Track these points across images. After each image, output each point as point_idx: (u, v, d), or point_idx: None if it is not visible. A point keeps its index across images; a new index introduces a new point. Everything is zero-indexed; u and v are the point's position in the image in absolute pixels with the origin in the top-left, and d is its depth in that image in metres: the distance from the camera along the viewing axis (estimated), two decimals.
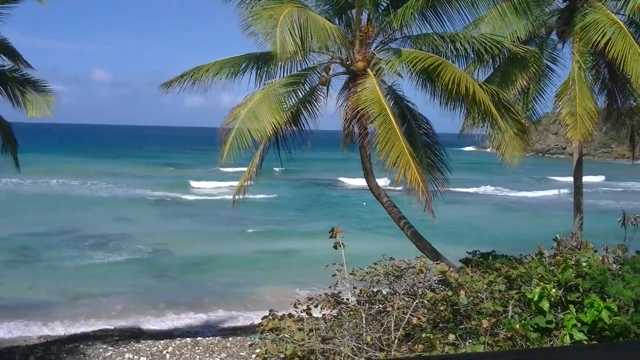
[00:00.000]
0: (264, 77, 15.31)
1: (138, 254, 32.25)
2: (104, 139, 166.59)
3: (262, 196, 53.29)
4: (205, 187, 60.85)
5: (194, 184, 62.94)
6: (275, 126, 14.10)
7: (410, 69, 13.81)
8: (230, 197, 16.66)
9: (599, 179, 77.87)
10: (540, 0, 17.50)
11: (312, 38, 12.54)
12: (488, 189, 67.91)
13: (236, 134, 13.87)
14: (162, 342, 19.99)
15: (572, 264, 9.39)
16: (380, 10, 14.81)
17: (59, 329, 21.19)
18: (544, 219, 42.91)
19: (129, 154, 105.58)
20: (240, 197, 16.23)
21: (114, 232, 37.14)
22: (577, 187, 19.52)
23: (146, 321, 22.43)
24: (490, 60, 15.77)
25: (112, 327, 21.68)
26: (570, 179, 20.37)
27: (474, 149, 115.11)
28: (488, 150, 15.86)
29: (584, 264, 9.29)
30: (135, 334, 21.11)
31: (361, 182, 15.81)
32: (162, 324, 22.32)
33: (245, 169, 16.38)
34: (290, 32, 12.08)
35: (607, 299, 8.29)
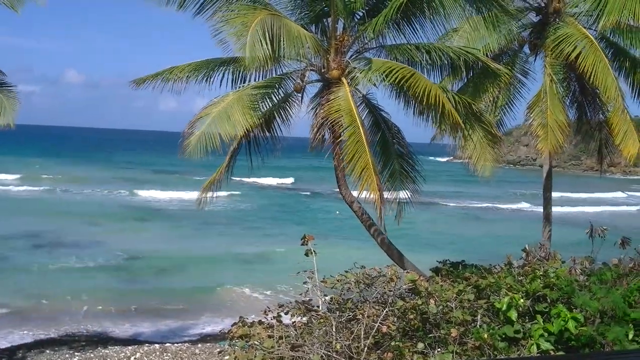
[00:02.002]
0: (239, 81, 15.26)
1: (108, 259, 31.89)
2: (76, 142, 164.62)
3: (235, 203, 53.30)
4: (178, 193, 60.27)
5: (166, 189, 62.40)
6: (247, 129, 14.04)
7: (383, 79, 13.88)
8: (203, 203, 16.47)
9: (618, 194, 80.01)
10: (512, 14, 17.73)
11: (285, 45, 12.54)
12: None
13: (205, 131, 13.71)
14: (129, 348, 19.81)
15: (540, 275, 9.50)
16: (356, 20, 14.86)
17: (25, 334, 20.88)
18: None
19: (102, 158, 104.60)
20: (207, 199, 16.10)
21: (84, 237, 36.72)
22: (547, 198, 19.74)
23: (114, 327, 22.20)
24: (464, 72, 15.90)
25: (79, 333, 21.43)
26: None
27: (445, 159, 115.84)
28: (466, 160, 15.99)
29: (552, 275, 9.41)
30: (103, 340, 20.89)
31: (335, 189, 15.86)
32: (130, 330, 22.10)
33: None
34: (261, 40, 12.04)
35: (574, 310, 8.39)
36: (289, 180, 78.94)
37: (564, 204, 62.12)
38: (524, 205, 63.67)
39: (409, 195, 15.99)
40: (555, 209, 53.87)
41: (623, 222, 45.22)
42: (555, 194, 64.00)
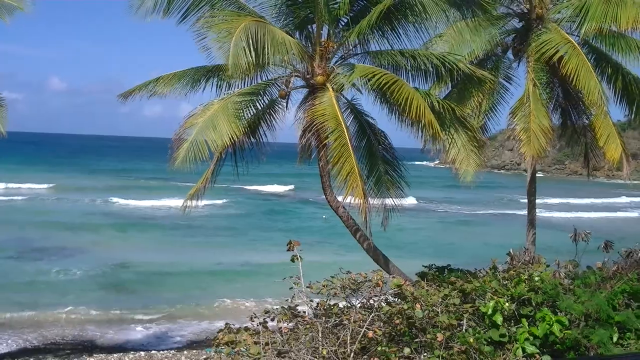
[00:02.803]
0: (224, 88, 15.26)
1: (92, 267, 31.64)
2: (61, 148, 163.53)
3: (220, 209, 53.11)
4: (163, 201, 59.85)
5: (152, 197, 61.97)
6: (233, 137, 14.02)
7: (366, 83, 13.94)
8: (188, 210, 16.41)
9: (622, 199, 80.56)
10: (495, 20, 17.85)
11: (269, 52, 12.55)
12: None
13: (193, 142, 13.72)
14: (115, 355, 19.70)
15: (525, 279, 9.57)
16: (341, 26, 14.91)
17: (9, 342, 20.70)
18: None
19: (86, 165, 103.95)
20: (192, 205, 16.06)
21: (68, 245, 36.44)
22: (531, 202, 19.85)
23: (99, 334, 22.05)
24: (449, 78, 15.95)
25: (64, 341, 21.27)
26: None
27: (433, 164, 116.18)
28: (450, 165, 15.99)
29: (537, 279, 9.47)
30: (88, 348, 20.75)
31: (321, 195, 15.85)
32: (115, 337, 21.96)
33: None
34: (245, 48, 12.05)
35: (559, 313, 8.46)
36: (289, 187, 78.60)
37: (569, 209, 62.87)
38: (509, 209, 63.89)
39: (395, 201, 16.00)
40: (557, 215, 54.28)
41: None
42: (555, 200, 64.34)
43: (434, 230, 50.09)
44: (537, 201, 20.36)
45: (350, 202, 13.48)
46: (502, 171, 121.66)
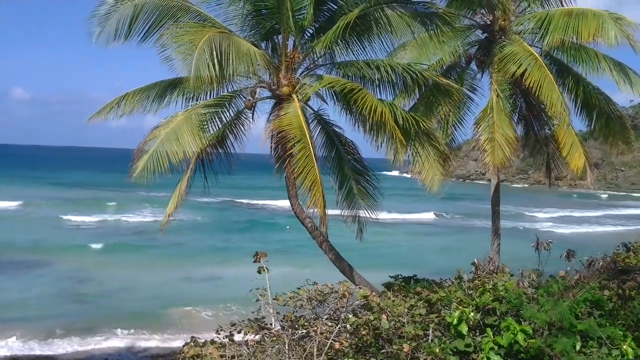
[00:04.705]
0: (191, 99, 15.19)
1: (53, 279, 31.24)
2: (24, 160, 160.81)
3: (186, 221, 52.62)
4: (127, 212, 59.24)
5: (115, 208, 61.29)
6: (196, 150, 13.96)
7: (330, 92, 14.03)
8: (156, 220, 16.29)
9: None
10: (458, 32, 18.03)
11: (234, 63, 12.50)
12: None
13: (153, 154, 13.63)
14: None
15: (490, 288, 9.61)
16: (307, 37, 14.95)
17: None
18: None
19: (47, 177, 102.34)
20: (168, 223, 15.91)
21: (29, 257, 35.76)
22: (496, 211, 20.04)
23: (62, 350, 21.69)
24: (416, 89, 16.06)
25: (27, 355, 20.92)
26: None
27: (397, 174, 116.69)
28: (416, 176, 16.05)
29: (501, 288, 9.52)
30: None
31: (285, 205, 15.85)
32: (78, 352, 21.63)
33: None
34: (208, 60, 12.00)
35: (523, 322, 8.51)
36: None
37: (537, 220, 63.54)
38: (477, 220, 64.36)
39: (367, 212, 16.00)
40: (524, 224, 54.76)
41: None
42: (557, 214, 65.64)
43: (402, 240, 50.25)
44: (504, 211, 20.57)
45: (314, 212, 13.52)
46: (467, 181, 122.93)
